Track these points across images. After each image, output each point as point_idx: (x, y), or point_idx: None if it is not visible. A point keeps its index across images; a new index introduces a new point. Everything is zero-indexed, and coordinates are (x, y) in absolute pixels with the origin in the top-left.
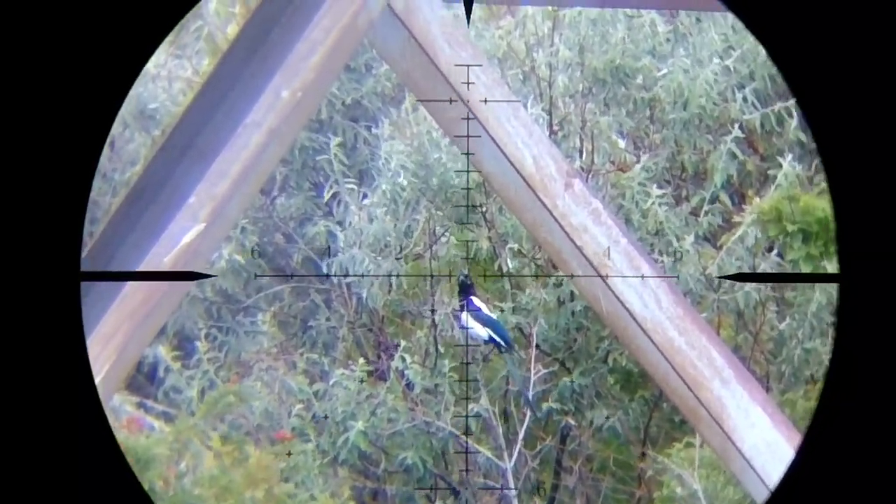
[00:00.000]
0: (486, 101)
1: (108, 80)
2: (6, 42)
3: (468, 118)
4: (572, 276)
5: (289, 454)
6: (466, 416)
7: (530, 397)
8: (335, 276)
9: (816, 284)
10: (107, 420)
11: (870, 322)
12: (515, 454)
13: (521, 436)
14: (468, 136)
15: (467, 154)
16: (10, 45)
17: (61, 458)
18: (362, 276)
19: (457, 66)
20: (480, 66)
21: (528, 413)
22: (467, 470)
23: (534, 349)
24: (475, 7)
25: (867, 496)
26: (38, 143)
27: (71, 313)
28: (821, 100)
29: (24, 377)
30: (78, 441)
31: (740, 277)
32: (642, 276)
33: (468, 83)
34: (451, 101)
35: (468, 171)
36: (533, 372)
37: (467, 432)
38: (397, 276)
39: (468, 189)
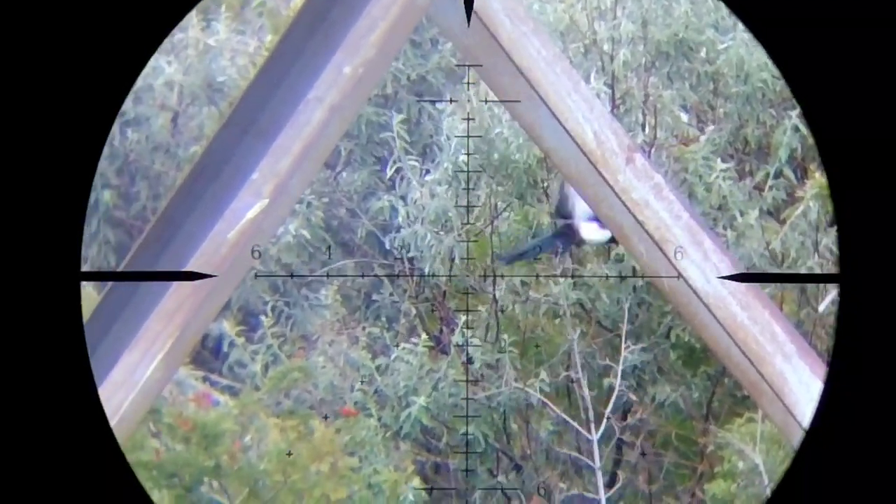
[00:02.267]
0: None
1: (108, 80)
2: (6, 40)
3: (470, 114)
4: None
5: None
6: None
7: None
8: (336, 276)
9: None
10: (107, 421)
11: (870, 322)
12: (590, 428)
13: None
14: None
15: (467, 154)
16: (11, 43)
17: (61, 458)
18: (368, 280)
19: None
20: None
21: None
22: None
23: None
24: None
25: (866, 498)
26: (38, 143)
27: (71, 314)
28: (821, 100)
29: (23, 378)
30: (77, 442)
31: (742, 278)
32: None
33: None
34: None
35: (468, 173)
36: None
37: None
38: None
39: (468, 189)
